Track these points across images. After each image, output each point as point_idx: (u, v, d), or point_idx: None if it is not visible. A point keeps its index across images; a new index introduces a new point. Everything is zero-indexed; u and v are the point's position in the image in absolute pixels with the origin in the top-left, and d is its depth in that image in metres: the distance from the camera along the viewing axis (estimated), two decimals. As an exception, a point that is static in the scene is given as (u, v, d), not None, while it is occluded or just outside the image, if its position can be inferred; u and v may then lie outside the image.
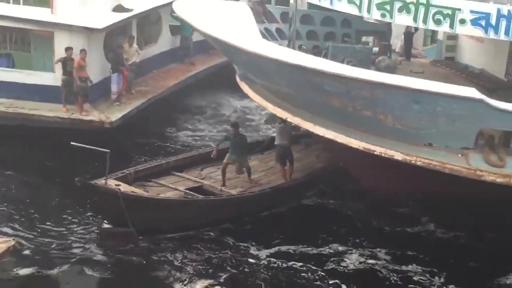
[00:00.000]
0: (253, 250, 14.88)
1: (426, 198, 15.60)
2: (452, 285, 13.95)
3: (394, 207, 16.30)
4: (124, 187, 14.85)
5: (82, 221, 15.55)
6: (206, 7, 17.86)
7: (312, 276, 14.09)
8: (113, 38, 20.91)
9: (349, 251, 15.00)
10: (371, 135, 14.61)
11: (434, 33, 22.34)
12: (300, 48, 18.82)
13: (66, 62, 18.97)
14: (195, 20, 16.83)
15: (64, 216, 15.73)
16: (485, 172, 13.95)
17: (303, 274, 14.15)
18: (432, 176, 14.31)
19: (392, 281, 14.13)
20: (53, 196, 16.59)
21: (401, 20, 15.26)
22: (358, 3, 15.30)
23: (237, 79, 18.71)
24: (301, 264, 14.44)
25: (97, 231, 14.91)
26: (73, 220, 15.59)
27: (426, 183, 14.73)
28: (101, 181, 14.59)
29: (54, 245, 14.52)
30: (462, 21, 14.49)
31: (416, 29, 20.61)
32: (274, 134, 18.33)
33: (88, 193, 14.60)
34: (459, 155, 14.07)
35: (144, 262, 14.16)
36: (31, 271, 13.59)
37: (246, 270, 14.24)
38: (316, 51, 18.25)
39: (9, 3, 19.89)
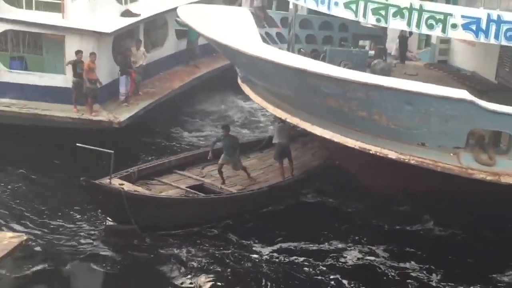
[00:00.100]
0: (255, 246, 14.80)
1: (419, 196, 15.49)
2: (449, 282, 13.83)
3: (393, 205, 16.11)
4: (127, 186, 14.81)
5: (90, 218, 15.49)
6: (209, 12, 17.82)
7: (313, 271, 14.01)
8: (121, 42, 20.88)
9: (349, 248, 14.90)
10: (366, 134, 14.53)
11: (428, 37, 22.26)
12: (299, 52, 18.80)
13: (76, 64, 18.94)
14: (199, 24, 16.75)
15: (72, 213, 15.69)
16: (476, 170, 13.90)
17: (304, 269, 14.07)
18: (425, 174, 14.25)
19: (391, 277, 14.03)
20: (63, 194, 16.52)
21: (396, 25, 15.17)
22: (354, 8, 15.20)
23: (239, 81, 18.64)
24: (302, 260, 14.36)
25: (102, 228, 14.86)
26: (81, 217, 15.54)
27: (419, 181, 14.65)
28: (105, 181, 14.55)
29: (62, 241, 14.48)
30: (454, 26, 14.40)
31: (411, 33, 20.55)
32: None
33: (93, 192, 14.52)
34: (451, 154, 14.01)
35: (149, 257, 14.10)
36: (41, 266, 13.55)
37: (248, 265, 14.15)
38: (315, 55, 18.23)
39: (22, 8, 19.85)
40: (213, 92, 24.31)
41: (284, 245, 14.92)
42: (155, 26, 23.57)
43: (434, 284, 13.78)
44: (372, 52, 20.19)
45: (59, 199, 16.28)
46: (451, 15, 14.36)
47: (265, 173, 17.48)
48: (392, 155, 14.30)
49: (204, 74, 24.23)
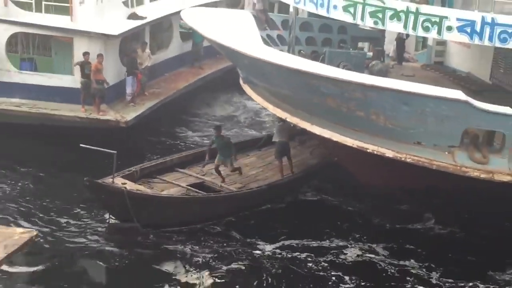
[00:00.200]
0: (257, 243, 14.69)
1: (416, 193, 15.38)
2: (449, 279, 13.69)
3: (393, 204, 15.98)
4: (129, 185, 14.69)
5: (96, 215, 15.40)
6: (212, 15, 17.74)
7: (314, 267, 13.90)
8: (127, 44, 20.79)
9: (349, 245, 14.77)
10: (364, 134, 14.47)
11: (425, 39, 22.12)
12: (299, 53, 18.72)
13: (84, 65, 18.85)
14: (202, 27, 16.66)
15: (78, 210, 15.63)
16: (470, 168, 13.87)
17: (305, 265, 13.96)
18: (421, 172, 14.14)
19: (390, 274, 13.89)
20: (70, 192, 16.39)
21: (392, 27, 15.10)
22: (352, 11, 15.11)
23: (241, 82, 18.53)
24: (303, 256, 14.24)
25: (106, 226, 14.75)
26: (87, 214, 15.47)
27: (415, 179, 14.55)
28: (108, 180, 14.45)
29: (69, 238, 14.41)
30: (449, 28, 14.31)
31: (407, 35, 20.42)
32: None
33: (97, 192, 14.44)
34: (446, 153, 13.94)
35: (153, 254, 14.01)
36: (49, 262, 13.49)
37: (251, 261, 14.02)
38: (314, 56, 18.14)
39: (32, 11, 19.78)
40: (217, 92, 24.24)
41: (286, 242, 14.79)
42: (161, 29, 23.48)
43: (433, 282, 13.64)
44: (370, 54, 20.09)
45: (66, 197, 16.18)
46: (446, 18, 14.27)
47: (264, 171, 17.33)
48: (389, 153, 14.28)
49: (208, 75, 24.09)
